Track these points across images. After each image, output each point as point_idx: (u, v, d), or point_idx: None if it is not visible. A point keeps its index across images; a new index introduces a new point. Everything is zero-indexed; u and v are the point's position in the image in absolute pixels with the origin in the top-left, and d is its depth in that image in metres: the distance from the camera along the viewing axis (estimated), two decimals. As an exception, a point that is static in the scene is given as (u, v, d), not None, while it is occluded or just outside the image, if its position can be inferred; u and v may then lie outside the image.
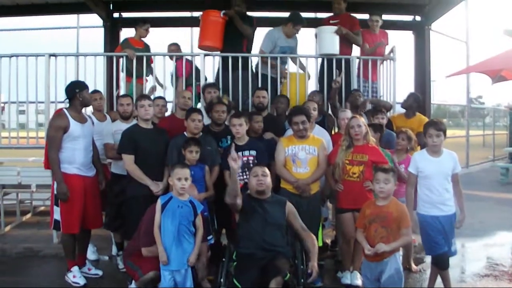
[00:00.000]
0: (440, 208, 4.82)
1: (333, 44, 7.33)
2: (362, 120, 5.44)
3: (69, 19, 11.59)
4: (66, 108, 5.45)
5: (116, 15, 9.65)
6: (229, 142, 5.85)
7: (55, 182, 5.35)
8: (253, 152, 5.59)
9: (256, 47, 7.71)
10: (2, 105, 8.06)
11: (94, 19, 10.33)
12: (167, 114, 6.75)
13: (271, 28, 7.54)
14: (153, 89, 7.20)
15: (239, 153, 5.25)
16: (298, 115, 5.53)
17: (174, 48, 7.87)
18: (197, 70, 7.36)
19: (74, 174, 5.35)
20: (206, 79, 7.40)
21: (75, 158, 5.35)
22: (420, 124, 6.72)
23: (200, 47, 7.56)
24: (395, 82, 7.43)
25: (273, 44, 7.48)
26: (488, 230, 7.68)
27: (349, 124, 5.44)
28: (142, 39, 7.95)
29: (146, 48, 7.91)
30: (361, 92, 7.01)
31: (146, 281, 4.56)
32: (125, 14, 9.74)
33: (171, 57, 7.51)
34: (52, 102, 7.20)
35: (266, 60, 7.35)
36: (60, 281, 5.52)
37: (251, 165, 5.39)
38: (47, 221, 7.42)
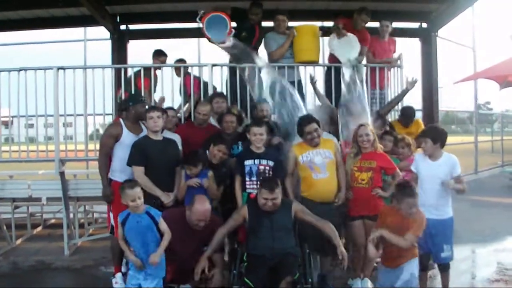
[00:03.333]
0: (430, 211, 4.89)
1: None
2: (370, 129, 5.54)
3: (76, 32, 11.66)
4: (123, 118, 5.77)
5: (123, 27, 9.68)
6: (240, 148, 5.90)
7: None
8: (271, 163, 5.49)
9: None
10: (11, 119, 8.10)
11: (101, 32, 10.39)
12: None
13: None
14: (162, 100, 7.20)
15: (255, 160, 5.43)
16: (310, 124, 5.52)
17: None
18: (205, 84, 7.37)
19: None
20: (215, 88, 7.40)
21: (127, 168, 5.47)
22: (418, 127, 6.81)
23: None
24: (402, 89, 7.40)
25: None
26: (498, 235, 7.62)
27: (357, 133, 5.53)
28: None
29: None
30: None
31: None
32: (132, 26, 9.78)
33: (177, 73, 7.53)
34: (61, 115, 7.23)
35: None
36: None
37: (267, 175, 5.40)
38: (58, 233, 7.53)
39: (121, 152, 5.53)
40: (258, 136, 5.46)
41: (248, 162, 5.44)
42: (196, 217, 4.73)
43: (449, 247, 5.05)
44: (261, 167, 5.43)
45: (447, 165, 5.08)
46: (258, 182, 5.25)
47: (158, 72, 7.53)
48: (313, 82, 7.00)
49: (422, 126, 6.95)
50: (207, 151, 5.66)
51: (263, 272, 4.58)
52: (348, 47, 7.23)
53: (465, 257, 6.53)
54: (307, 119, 5.65)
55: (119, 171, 5.55)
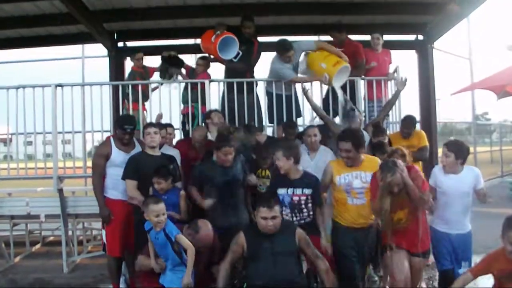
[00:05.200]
0: (453, 226, 4.79)
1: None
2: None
3: (74, 49, 11.72)
4: (113, 136, 5.84)
5: (120, 44, 9.71)
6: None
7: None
8: (308, 191, 4.99)
9: (261, 71, 7.80)
10: (10, 136, 8.11)
11: (99, 49, 10.43)
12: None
13: (273, 62, 7.41)
14: (160, 116, 7.23)
15: (289, 189, 4.98)
16: (343, 141, 4.96)
17: (201, 62, 7.80)
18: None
19: (118, 200, 5.61)
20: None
21: (119, 185, 5.55)
22: (420, 139, 6.72)
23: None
24: (400, 101, 7.43)
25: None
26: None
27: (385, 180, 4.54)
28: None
29: (145, 70, 8.05)
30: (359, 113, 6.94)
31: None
32: (129, 43, 9.81)
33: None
34: (60, 133, 7.25)
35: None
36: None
37: (303, 206, 4.97)
38: (57, 251, 7.50)
39: (112, 170, 5.60)
40: (278, 162, 5.03)
41: (280, 191, 5.00)
42: (201, 243, 4.71)
43: (467, 264, 4.85)
44: (295, 198, 4.96)
45: (471, 178, 4.83)
46: (293, 214, 4.95)
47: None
48: (305, 91, 6.83)
49: (425, 138, 6.89)
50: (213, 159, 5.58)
51: None
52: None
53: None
54: (344, 136, 5.05)
55: (111, 189, 5.63)
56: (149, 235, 4.65)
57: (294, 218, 4.93)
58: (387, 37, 8.34)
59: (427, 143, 6.84)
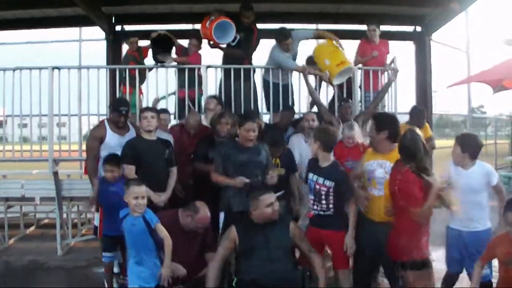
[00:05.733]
0: (464, 223, 4.59)
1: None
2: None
3: (71, 32, 11.64)
4: (108, 119, 5.85)
5: (118, 28, 9.69)
6: None
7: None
8: (330, 183, 4.67)
9: (259, 59, 7.81)
10: (5, 118, 8.10)
11: (96, 32, 10.39)
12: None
13: (272, 50, 7.39)
14: (156, 101, 7.23)
15: (315, 176, 4.72)
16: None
17: (194, 43, 7.69)
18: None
19: None
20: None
21: None
22: (426, 130, 6.72)
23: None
24: (397, 92, 7.45)
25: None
26: None
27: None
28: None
29: (139, 52, 8.03)
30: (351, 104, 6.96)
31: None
32: (127, 27, 9.78)
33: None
34: (56, 115, 7.24)
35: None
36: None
37: (323, 196, 4.68)
38: (51, 233, 7.51)
39: (106, 153, 5.56)
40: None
41: (310, 176, 4.82)
42: (200, 224, 4.75)
43: (488, 265, 4.47)
44: (317, 187, 4.72)
45: (480, 174, 4.61)
46: (314, 203, 4.74)
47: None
48: (305, 74, 6.80)
49: (429, 129, 6.89)
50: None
51: None
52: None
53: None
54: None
55: None
56: (124, 224, 4.40)
57: (315, 207, 4.74)
58: (385, 28, 8.33)
59: (432, 134, 6.88)
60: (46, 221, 9.15)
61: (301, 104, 7.63)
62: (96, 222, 5.70)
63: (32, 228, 8.70)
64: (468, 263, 4.59)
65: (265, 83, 7.40)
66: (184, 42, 7.83)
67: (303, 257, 4.58)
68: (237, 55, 7.49)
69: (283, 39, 7.14)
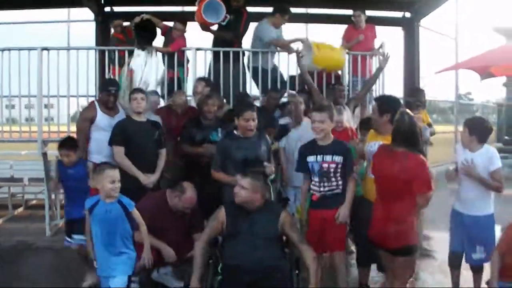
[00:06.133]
0: (465, 206, 4.61)
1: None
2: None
3: (60, 12, 11.56)
4: (97, 100, 5.87)
5: (107, 9, 9.64)
6: (219, 135, 5.76)
7: None
8: (339, 158, 4.60)
9: (247, 42, 7.80)
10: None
11: (85, 13, 10.32)
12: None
13: (260, 23, 7.50)
14: (146, 84, 7.22)
15: (318, 156, 4.60)
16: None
17: (179, 27, 7.54)
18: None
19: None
20: (188, 61, 7.46)
21: (103, 149, 5.57)
22: (426, 115, 6.79)
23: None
24: (384, 78, 7.49)
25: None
26: None
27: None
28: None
29: (124, 34, 7.97)
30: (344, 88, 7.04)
31: (139, 270, 4.63)
32: (116, 8, 9.73)
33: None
34: (45, 96, 7.21)
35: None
36: (53, 273, 5.64)
37: (332, 174, 4.59)
38: (40, 214, 7.52)
39: (96, 134, 5.66)
40: (318, 124, 4.60)
41: (310, 159, 4.65)
42: (186, 204, 4.78)
43: (482, 249, 4.56)
44: (325, 166, 4.59)
45: (484, 157, 4.54)
46: (321, 184, 4.61)
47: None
48: (298, 55, 6.67)
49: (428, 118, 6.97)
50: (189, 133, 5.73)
51: None
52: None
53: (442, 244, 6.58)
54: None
55: (95, 153, 5.67)
56: (92, 213, 4.11)
57: (321, 188, 4.59)
58: (373, 13, 8.36)
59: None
60: (34, 202, 9.14)
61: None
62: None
63: (20, 209, 8.70)
64: (467, 246, 4.65)
65: (254, 70, 7.42)
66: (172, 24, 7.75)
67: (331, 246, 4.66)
68: (227, 37, 7.50)
69: (284, 13, 7.31)
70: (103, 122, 5.67)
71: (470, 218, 4.59)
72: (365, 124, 5.53)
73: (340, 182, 4.63)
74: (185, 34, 7.62)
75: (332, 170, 4.58)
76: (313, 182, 4.68)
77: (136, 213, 4.16)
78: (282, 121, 6.21)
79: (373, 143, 4.66)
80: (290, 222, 4.30)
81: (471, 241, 4.60)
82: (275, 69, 7.52)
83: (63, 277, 5.46)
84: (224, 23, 7.33)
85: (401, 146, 3.96)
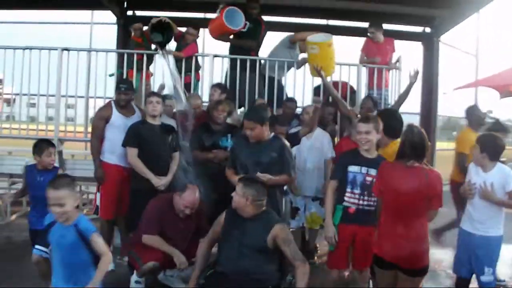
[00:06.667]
0: (476, 226, 4.46)
1: None
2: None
3: (83, 14, 11.72)
4: (114, 100, 5.89)
5: (129, 13, 9.76)
6: (229, 141, 5.77)
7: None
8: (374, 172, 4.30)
9: (264, 51, 7.88)
10: (14, 97, 8.19)
11: (108, 16, 10.46)
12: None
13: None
14: (162, 87, 7.29)
15: (363, 168, 4.33)
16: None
17: (192, 32, 7.50)
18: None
19: (114, 164, 5.70)
20: (199, 67, 7.50)
21: (116, 149, 5.64)
22: None
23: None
24: (400, 91, 7.46)
25: None
26: None
27: None
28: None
29: (144, 38, 7.93)
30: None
31: (146, 271, 4.69)
32: (138, 13, 9.86)
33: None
34: (63, 96, 7.33)
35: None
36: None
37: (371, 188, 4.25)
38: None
39: (110, 134, 5.71)
40: (364, 135, 4.33)
41: (353, 169, 4.37)
42: (183, 203, 4.82)
43: (490, 271, 4.42)
44: (368, 179, 4.31)
45: (498, 177, 4.40)
46: (361, 197, 4.32)
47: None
48: (318, 69, 6.50)
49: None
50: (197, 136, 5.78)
51: None
52: None
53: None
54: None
55: (108, 152, 5.73)
56: (50, 235, 3.50)
57: (361, 202, 4.31)
58: (393, 27, 8.36)
59: None
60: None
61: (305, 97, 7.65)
62: (98, 201, 5.87)
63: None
64: (475, 266, 4.50)
65: (261, 77, 7.47)
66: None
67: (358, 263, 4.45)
68: (245, 45, 7.57)
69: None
70: (118, 121, 5.72)
71: (480, 238, 4.44)
72: None
73: (375, 199, 4.27)
74: (197, 40, 7.66)
75: (368, 183, 4.30)
76: (350, 194, 4.35)
77: (96, 241, 3.41)
78: (293, 130, 6.23)
79: None
80: (283, 236, 4.09)
81: (479, 262, 4.45)
82: (280, 80, 7.57)
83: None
84: (245, 30, 7.40)
85: (413, 160, 3.79)
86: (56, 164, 5.22)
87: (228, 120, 6.10)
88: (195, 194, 4.87)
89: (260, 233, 4.06)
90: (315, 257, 6.25)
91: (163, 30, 7.08)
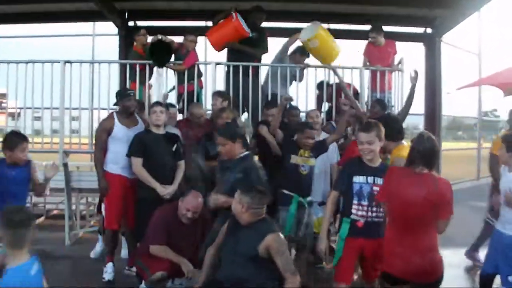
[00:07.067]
0: (506, 226, 4.46)
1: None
2: None
3: (85, 26, 11.77)
4: (117, 112, 5.90)
5: (131, 23, 9.79)
6: None
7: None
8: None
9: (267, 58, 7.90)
10: (19, 111, 8.22)
11: (109, 27, 10.49)
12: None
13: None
14: (165, 96, 7.30)
15: (369, 178, 4.13)
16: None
17: (192, 39, 7.53)
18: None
19: (117, 174, 5.73)
20: (201, 75, 7.52)
21: (119, 160, 5.69)
22: None
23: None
24: (403, 93, 7.48)
25: None
26: None
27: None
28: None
29: (145, 49, 7.94)
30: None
31: (154, 281, 4.70)
32: (140, 23, 9.87)
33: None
34: (67, 109, 7.35)
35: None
36: (72, 281, 5.71)
37: None
38: (60, 224, 7.61)
39: (113, 146, 5.74)
40: (366, 145, 4.15)
41: (358, 179, 4.15)
42: (186, 207, 4.84)
43: None
44: (375, 189, 4.08)
45: None
46: (369, 208, 4.11)
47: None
48: (334, 69, 6.77)
49: None
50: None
51: None
52: None
53: (459, 260, 6.52)
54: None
55: (112, 163, 5.75)
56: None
57: (369, 213, 4.10)
58: (394, 29, 8.35)
59: None
60: (55, 212, 9.27)
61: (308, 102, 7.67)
62: (103, 212, 5.97)
63: (41, 219, 8.81)
64: (503, 267, 4.45)
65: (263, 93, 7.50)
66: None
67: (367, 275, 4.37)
68: (256, 53, 7.67)
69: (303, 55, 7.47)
70: (121, 133, 5.73)
71: (509, 238, 4.40)
72: None
73: (383, 209, 4.05)
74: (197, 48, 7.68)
75: (375, 192, 4.06)
76: (358, 207, 4.13)
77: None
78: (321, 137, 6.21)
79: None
80: (275, 246, 3.92)
81: (507, 262, 4.38)
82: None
83: (80, 285, 5.54)
84: (251, 35, 7.44)
85: (422, 167, 3.65)
86: (60, 176, 5.24)
87: None
88: (198, 199, 4.89)
89: (252, 242, 3.94)
90: (324, 262, 6.24)
91: (162, 49, 7.16)
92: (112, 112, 6.05)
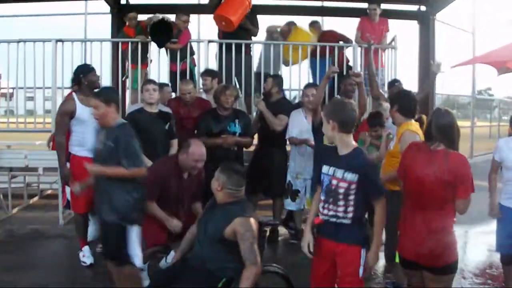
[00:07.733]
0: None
1: None
2: None
3: (76, 5, 11.67)
4: (76, 92, 5.45)
5: (123, 1, 9.70)
6: (237, 126, 5.85)
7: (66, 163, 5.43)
8: (351, 177, 3.41)
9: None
10: (11, 91, 8.18)
11: (102, 5, 10.39)
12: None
13: None
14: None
15: (331, 168, 3.50)
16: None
17: (186, 19, 7.56)
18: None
19: (84, 157, 5.16)
20: (193, 53, 7.52)
21: (85, 142, 5.28)
22: None
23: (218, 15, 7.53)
24: (396, 71, 7.47)
25: None
26: (485, 218, 7.59)
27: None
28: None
29: (137, 28, 7.84)
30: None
31: (146, 258, 4.67)
32: (132, 1, 9.80)
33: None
34: (59, 88, 7.30)
35: None
36: (65, 260, 5.77)
37: (340, 197, 3.46)
38: (54, 203, 7.60)
39: (77, 127, 5.36)
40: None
41: (324, 169, 3.56)
42: (194, 158, 4.61)
43: None
44: (334, 183, 3.45)
45: None
46: (325, 205, 3.50)
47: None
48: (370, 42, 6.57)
49: None
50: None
51: (163, 277, 3.88)
52: None
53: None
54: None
55: (77, 146, 5.40)
56: None
57: (325, 211, 3.52)
58: (389, 6, 8.32)
59: None
60: (49, 191, 9.26)
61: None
62: (68, 195, 5.69)
63: (35, 199, 8.81)
64: None
65: (257, 76, 7.51)
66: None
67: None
68: (253, 31, 7.79)
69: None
70: (85, 114, 5.24)
71: None
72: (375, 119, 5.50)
73: (350, 209, 3.43)
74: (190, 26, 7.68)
75: (341, 191, 3.42)
76: (322, 203, 3.59)
77: None
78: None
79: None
80: (241, 231, 3.59)
81: None
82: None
83: (74, 265, 5.56)
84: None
85: (439, 143, 3.46)
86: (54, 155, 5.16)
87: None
88: (201, 147, 4.69)
89: (220, 222, 3.68)
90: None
91: (163, 29, 7.09)
92: (70, 93, 5.63)
